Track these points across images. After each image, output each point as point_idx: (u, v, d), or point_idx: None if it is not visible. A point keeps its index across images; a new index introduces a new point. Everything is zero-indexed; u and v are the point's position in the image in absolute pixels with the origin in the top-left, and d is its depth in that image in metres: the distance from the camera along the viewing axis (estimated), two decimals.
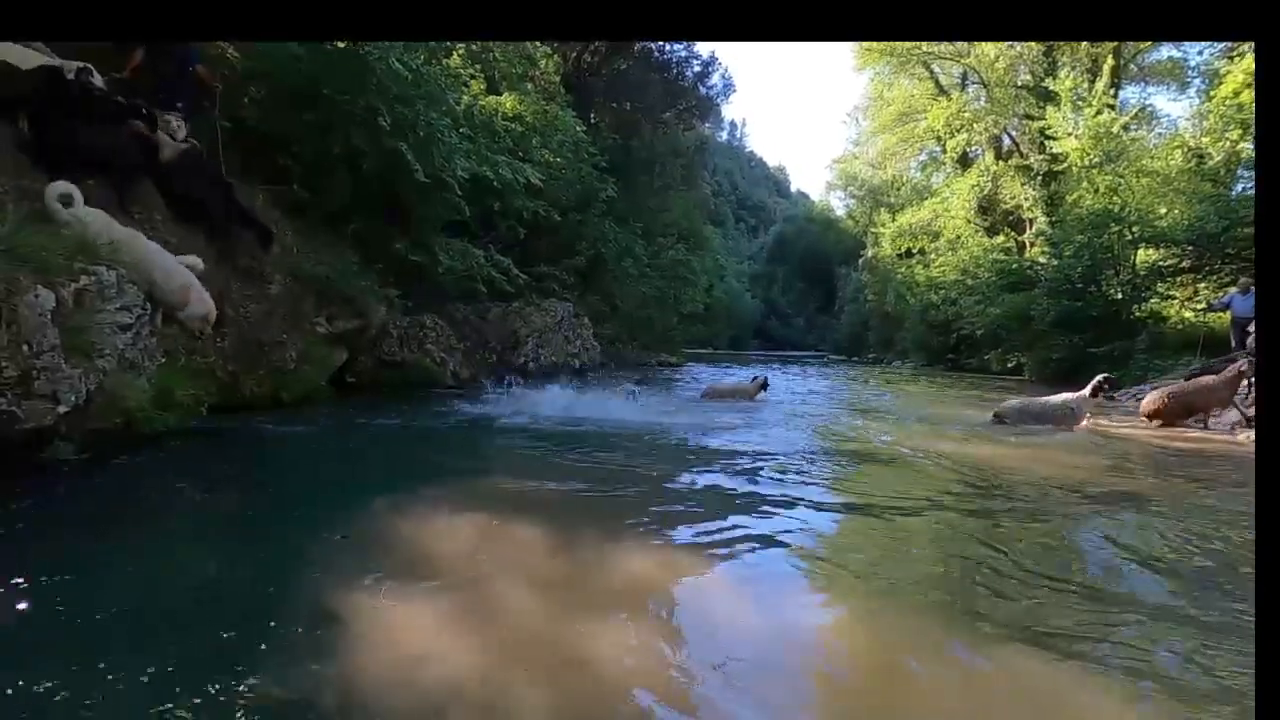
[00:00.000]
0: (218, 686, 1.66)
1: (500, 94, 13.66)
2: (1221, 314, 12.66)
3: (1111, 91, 20.27)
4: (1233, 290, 12.03)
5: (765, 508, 3.57)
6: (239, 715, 1.57)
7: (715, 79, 24.40)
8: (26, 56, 5.11)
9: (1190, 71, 23.35)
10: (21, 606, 2.05)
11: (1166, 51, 23.55)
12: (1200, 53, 22.31)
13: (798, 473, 4.51)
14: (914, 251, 32.56)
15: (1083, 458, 5.55)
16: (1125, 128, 18.71)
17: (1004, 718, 1.76)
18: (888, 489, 4.21)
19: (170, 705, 1.57)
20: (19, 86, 4.94)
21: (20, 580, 2.19)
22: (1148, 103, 24.05)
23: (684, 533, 3.10)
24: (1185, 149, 17.28)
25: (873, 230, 38.50)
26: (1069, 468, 5.03)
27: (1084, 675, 1.90)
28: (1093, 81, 20.05)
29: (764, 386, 9.67)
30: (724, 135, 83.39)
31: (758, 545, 2.92)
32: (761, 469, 4.54)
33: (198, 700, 1.60)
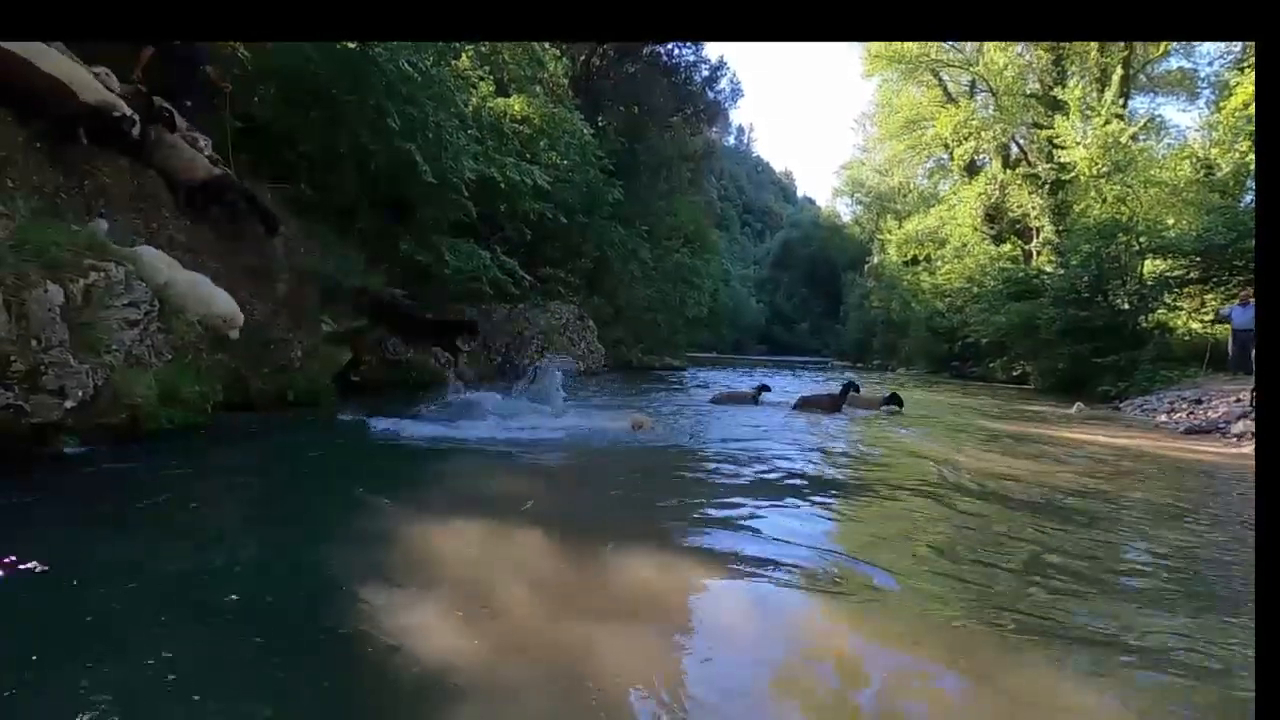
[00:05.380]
0: (215, 684, 1.66)
1: (509, 96, 13.70)
2: (1226, 324, 12.70)
3: (1120, 101, 20.20)
4: (1233, 303, 12.15)
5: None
6: (237, 711, 1.57)
7: (723, 83, 24.45)
8: (86, 85, 5.16)
9: (1200, 82, 23.37)
10: (28, 600, 2.06)
11: (1176, 62, 23.58)
12: (1210, 63, 22.37)
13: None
14: (920, 259, 32.54)
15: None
16: (1134, 138, 18.65)
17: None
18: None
19: (170, 699, 1.57)
20: (69, 109, 4.98)
21: (25, 573, 2.20)
22: (1157, 113, 24.05)
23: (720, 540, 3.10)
24: (1194, 160, 17.22)
25: (879, 237, 38.50)
26: None
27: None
28: (1101, 91, 19.98)
29: (895, 401, 9.39)
30: (731, 140, 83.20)
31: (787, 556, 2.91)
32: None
33: (195, 697, 1.60)
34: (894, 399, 9.52)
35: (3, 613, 1.99)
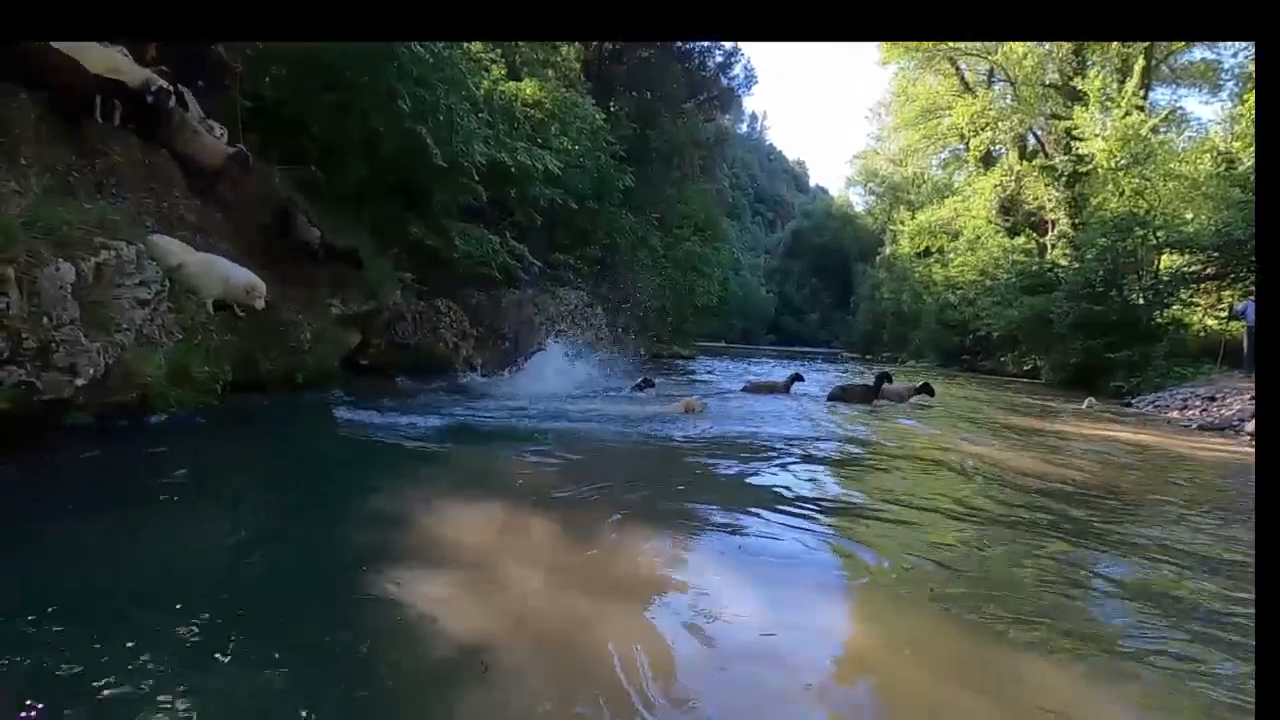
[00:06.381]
0: (227, 659, 1.67)
1: (521, 80, 13.59)
2: (1241, 321, 12.57)
3: (1141, 93, 19.81)
4: (1249, 300, 12.05)
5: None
6: (248, 686, 1.58)
7: (737, 70, 24.15)
8: (122, 66, 5.15)
9: (1224, 74, 22.88)
10: (34, 582, 2.07)
11: (1200, 53, 23.05)
12: (1235, 55, 21.84)
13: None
14: (933, 250, 32.24)
15: None
16: (1154, 130, 18.30)
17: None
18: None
19: (186, 674, 1.59)
20: (84, 85, 4.97)
21: (33, 556, 2.22)
22: (1178, 105, 23.57)
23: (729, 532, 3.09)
24: (1215, 153, 16.88)
25: (891, 228, 38.14)
26: None
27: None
28: (1122, 82, 19.60)
29: (926, 390, 9.47)
30: (744, 127, 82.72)
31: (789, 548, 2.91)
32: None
33: (210, 670, 1.61)
34: (925, 388, 9.50)
35: (13, 596, 2.01)
